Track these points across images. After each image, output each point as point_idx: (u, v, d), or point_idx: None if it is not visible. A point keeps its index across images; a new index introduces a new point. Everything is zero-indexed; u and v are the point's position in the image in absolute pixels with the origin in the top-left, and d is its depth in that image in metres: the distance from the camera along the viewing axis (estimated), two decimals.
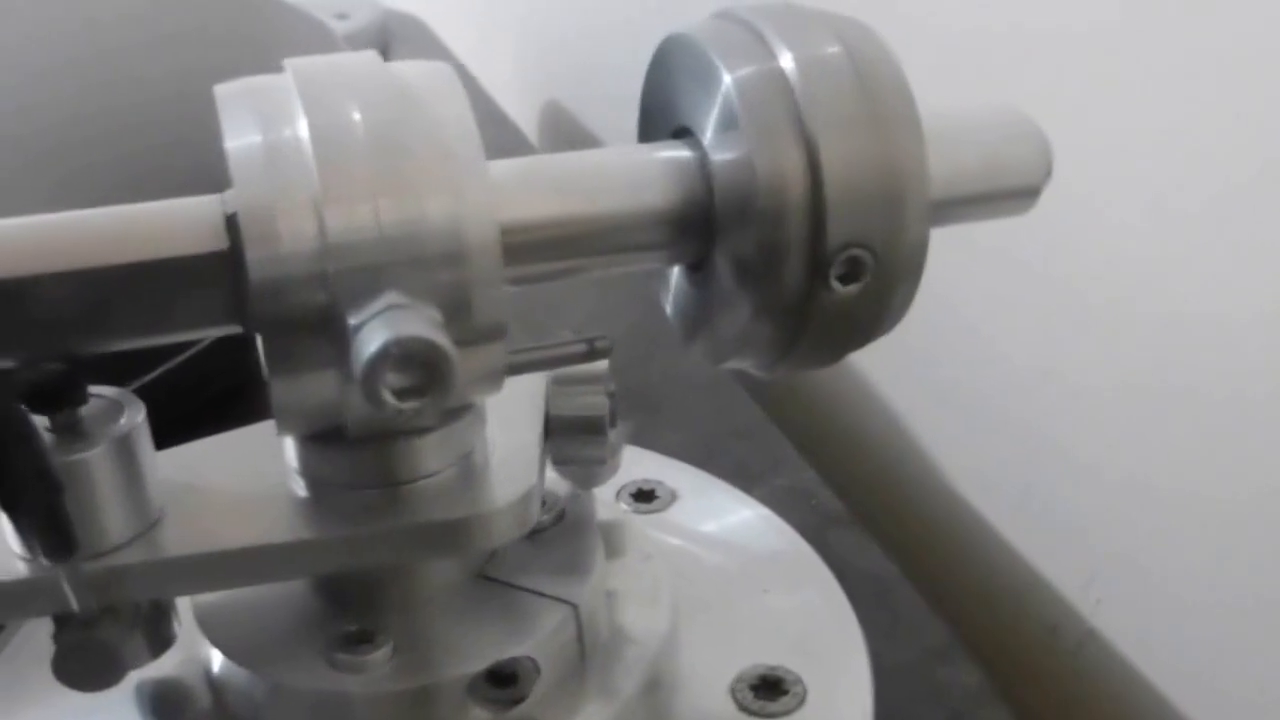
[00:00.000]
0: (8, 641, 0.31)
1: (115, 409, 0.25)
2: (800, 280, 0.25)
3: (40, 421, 0.24)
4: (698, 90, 0.26)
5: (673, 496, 0.35)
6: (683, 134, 0.27)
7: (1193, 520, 0.39)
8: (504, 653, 0.26)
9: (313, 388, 0.23)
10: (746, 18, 0.27)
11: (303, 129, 0.22)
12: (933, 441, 0.49)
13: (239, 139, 0.23)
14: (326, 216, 0.22)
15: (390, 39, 0.90)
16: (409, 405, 0.21)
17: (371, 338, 0.20)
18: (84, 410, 0.24)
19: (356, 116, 0.23)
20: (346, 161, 0.22)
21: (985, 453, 0.47)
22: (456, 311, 0.22)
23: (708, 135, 0.26)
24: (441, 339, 0.20)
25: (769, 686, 0.29)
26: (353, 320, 0.21)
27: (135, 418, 0.25)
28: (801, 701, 0.29)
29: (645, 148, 0.27)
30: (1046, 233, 0.39)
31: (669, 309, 0.29)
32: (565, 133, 0.88)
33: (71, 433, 0.24)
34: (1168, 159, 0.37)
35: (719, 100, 0.25)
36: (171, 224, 0.23)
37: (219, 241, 0.23)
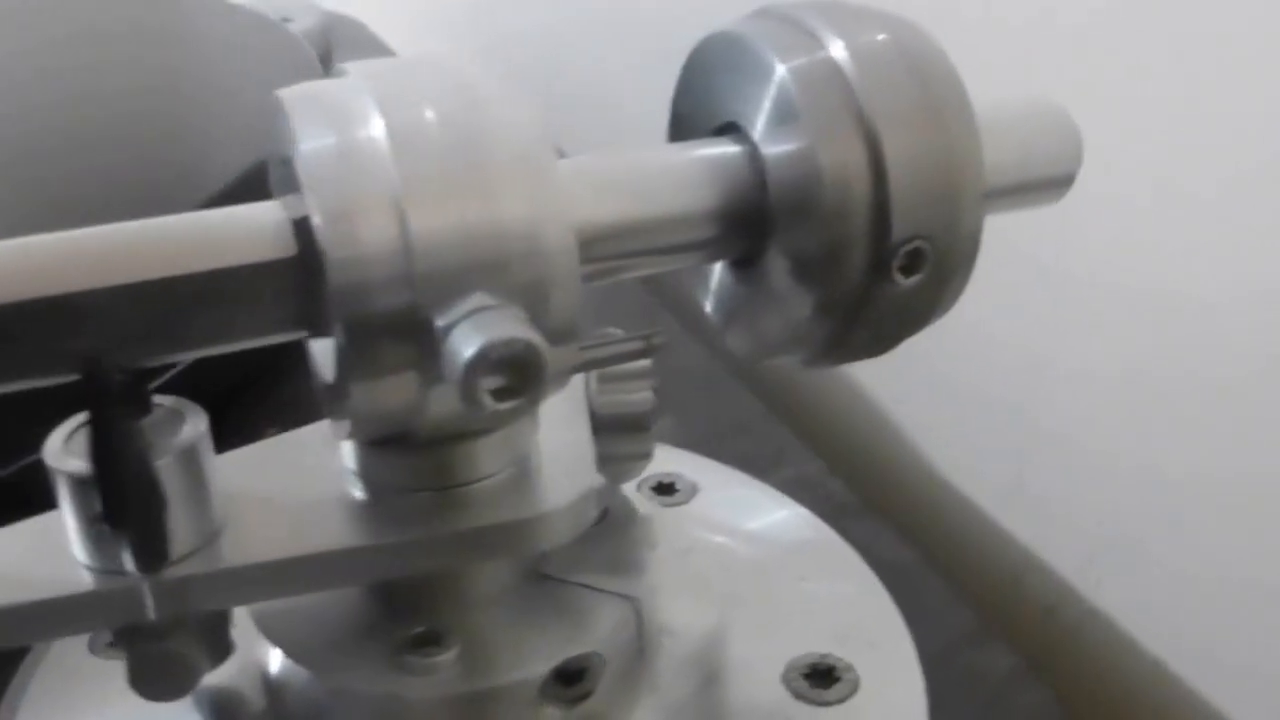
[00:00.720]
0: (46, 651, 0.31)
1: (176, 418, 0.24)
2: (862, 274, 0.25)
3: None
4: (745, 85, 0.26)
5: (693, 489, 0.36)
6: (725, 131, 0.27)
7: (1193, 500, 0.40)
8: (570, 650, 0.26)
9: (391, 391, 0.23)
10: (788, 13, 0.27)
11: (378, 129, 0.22)
12: (925, 429, 0.50)
13: (311, 141, 0.22)
14: (409, 217, 0.22)
15: (333, 41, 0.89)
16: (506, 406, 0.20)
17: (467, 340, 0.20)
18: (146, 420, 0.24)
19: (431, 116, 0.22)
20: (426, 161, 0.22)
21: (977, 439, 0.48)
22: (536, 312, 0.22)
23: (758, 129, 0.26)
24: (537, 338, 0.20)
25: (820, 675, 0.30)
26: (440, 322, 0.21)
27: (199, 426, 0.24)
28: (855, 689, 0.29)
29: (691, 145, 0.27)
30: (1040, 218, 0.40)
31: (709, 305, 0.29)
32: None
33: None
34: (1165, 144, 0.38)
35: (772, 92, 0.25)
36: (232, 233, 0.23)
37: (286, 248, 0.23)
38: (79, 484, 0.23)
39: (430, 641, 0.26)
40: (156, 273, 0.22)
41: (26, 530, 0.26)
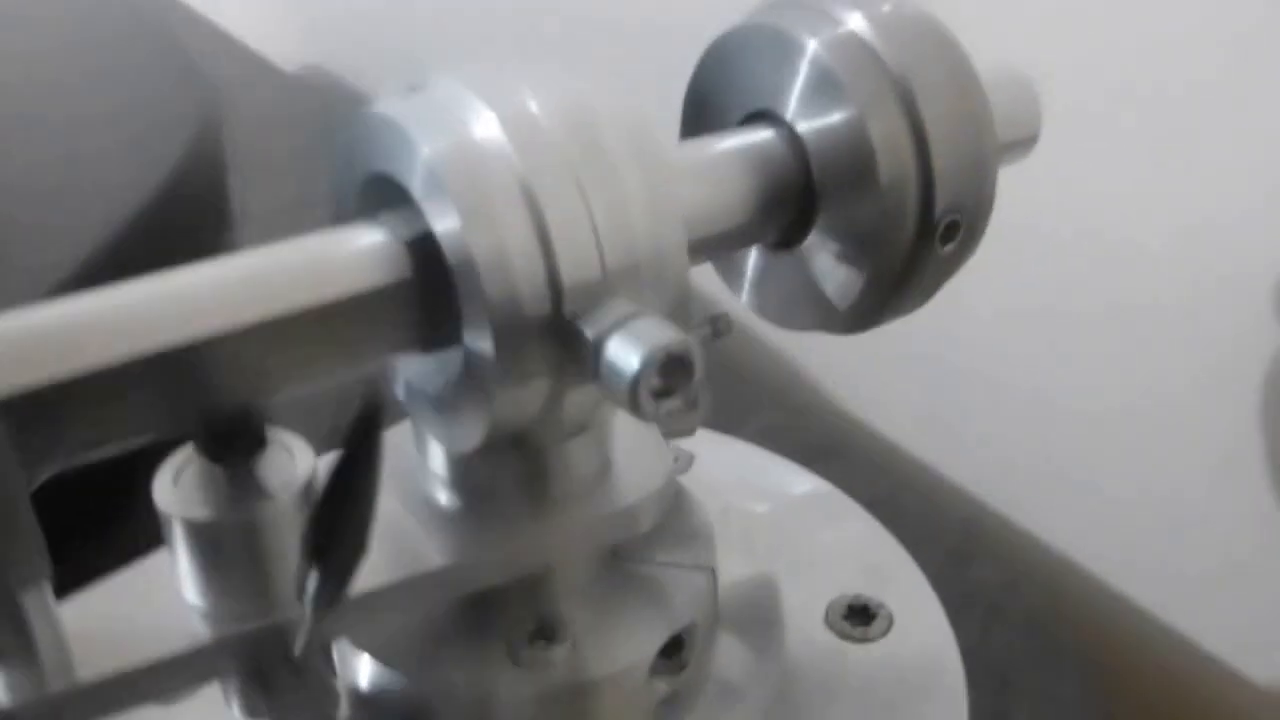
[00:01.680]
0: None
1: (285, 448, 0.24)
2: (910, 246, 0.27)
3: (217, 474, 0.24)
4: (772, 70, 0.27)
5: (690, 457, 0.37)
6: (755, 119, 0.28)
7: (1105, 426, 0.43)
8: (672, 626, 0.27)
9: (530, 397, 0.23)
10: (793, 1, 0.28)
11: (495, 128, 0.22)
12: (838, 372, 0.53)
13: (433, 147, 0.22)
14: (548, 219, 0.22)
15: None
16: (667, 407, 0.22)
17: (628, 350, 0.21)
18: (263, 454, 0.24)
19: (544, 113, 0.23)
20: (553, 158, 0.22)
21: (891, 379, 0.50)
22: (659, 305, 0.23)
23: (794, 110, 0.27)
24: (691, 339, 0.21)
25: (858, 613, 0.32)
26: (590, 332, 0.22)
27: (309, 458, 0.24)
28: (890, 623, 0.32)
29: (729, 135, 0.27)
30: None
31: (745, 292, 0.30)
32: (335, 101, 0.84)
33: (250, 481, 0.24)
34: (1076, 86, 0.40)
35: (806, 70, 0.26)
36: (344, 258, 0.23)
37: (402, 269, 0.23)
38: (205, 529, 0.23)
39: (543, 635, 0.27)
40: (279, 309, 0.22)
41: (115, 587, 0.25)
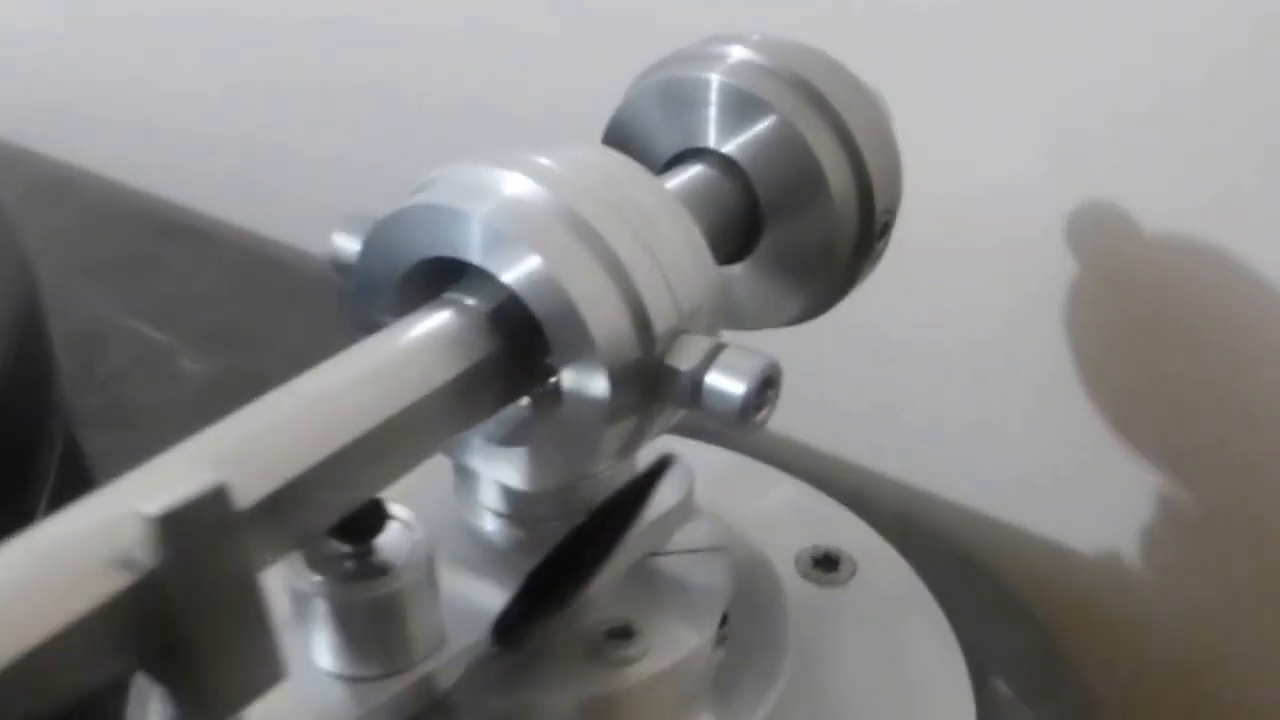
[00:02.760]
0: None
1: (404, 524, 0.26)
2: (853, 250, 0.30)
3: (340, 551, 0.25)
4: (682, 113, 0.30)
5: None
6: (678, 161, 0.31)
7: (930, 362, 0.49)
8: (720, 606, 0.31)
9: (618, 436, 0.25)
10: (675, 55, 0.31)
11: (533, 186, 0.24)
12: None
13: (481, 210, 0.24)
14: (629, 270, 0.24)
15: None
16: (761, 418, 0.25)
17: (731, 379, 0.24)
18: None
19: (561, 170, 0.25)
20: (598, 204, 0.24)
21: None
22: (707, 326, 0.26)
23: (716, 138, 0.30)
24: (775, 359, 0.25)
25: (823, 561, 0.36)
26: (684, 365, 0.25)
27: (424, 530, 0.26)
28: (855, 567, 0.36)
29: (670, 176, 0.30)
30: None
31: None
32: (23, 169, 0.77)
33: (374, 557, 0.26)
34: (909, 42, 0.43)
35: (715, 99, 0.29)
36: (438, 344, 0.24)
37: (492, 339, 0.25)
38: (349, 605, 0.25)
39: (623, 634, 0.29)
40: (404, 403, 0.23)
41: None
